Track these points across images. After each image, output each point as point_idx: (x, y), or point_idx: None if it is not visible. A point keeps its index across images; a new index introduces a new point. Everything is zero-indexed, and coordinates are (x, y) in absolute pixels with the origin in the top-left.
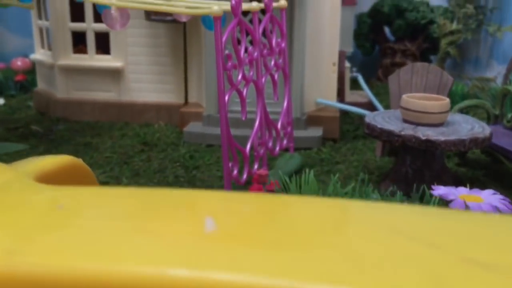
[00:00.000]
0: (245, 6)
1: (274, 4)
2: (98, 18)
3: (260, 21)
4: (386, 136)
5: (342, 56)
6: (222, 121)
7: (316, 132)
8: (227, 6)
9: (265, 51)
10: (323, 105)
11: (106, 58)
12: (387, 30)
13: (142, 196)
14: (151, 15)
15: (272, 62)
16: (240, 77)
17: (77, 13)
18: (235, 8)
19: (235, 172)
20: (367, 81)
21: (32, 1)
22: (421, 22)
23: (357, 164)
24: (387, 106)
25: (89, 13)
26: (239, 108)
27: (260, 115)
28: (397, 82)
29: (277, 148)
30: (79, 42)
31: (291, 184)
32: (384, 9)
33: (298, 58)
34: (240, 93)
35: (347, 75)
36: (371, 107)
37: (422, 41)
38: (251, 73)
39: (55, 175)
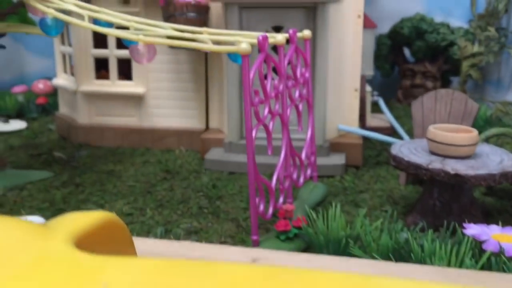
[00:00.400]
0: (270, 39)
1: (299, 35)
2: (120, 44)
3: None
4: (413, 169)
5: (363, 80)
6: (249, 157)
7: (338, 159)
8: (253, 40)
9: (289, 83)
10: (345, 131)
11: (128, 84)
12: (406, 51)
13: (188, 269)
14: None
15: (297, 93)
16: (266, 111)
17: (99, 39)
18: (261, 44)
19: (262, 207)
20: (387, 103)
21: (59, 33)
22: (441, 44)
23: (382, 194)
24: (409, 130)
25: (111, 39)
26: (259, 134)
27: (285, 148)
28: (421, 109)
29: (302, 179)
30: (101, 66)
31: (317, 220)
32: (404, 31)
33: (321, 86)
34: (266, 128)
35: (368, 100)
36: (393, 132)
37: (442, 62)
38: (277, 107)
39: (93, 235)
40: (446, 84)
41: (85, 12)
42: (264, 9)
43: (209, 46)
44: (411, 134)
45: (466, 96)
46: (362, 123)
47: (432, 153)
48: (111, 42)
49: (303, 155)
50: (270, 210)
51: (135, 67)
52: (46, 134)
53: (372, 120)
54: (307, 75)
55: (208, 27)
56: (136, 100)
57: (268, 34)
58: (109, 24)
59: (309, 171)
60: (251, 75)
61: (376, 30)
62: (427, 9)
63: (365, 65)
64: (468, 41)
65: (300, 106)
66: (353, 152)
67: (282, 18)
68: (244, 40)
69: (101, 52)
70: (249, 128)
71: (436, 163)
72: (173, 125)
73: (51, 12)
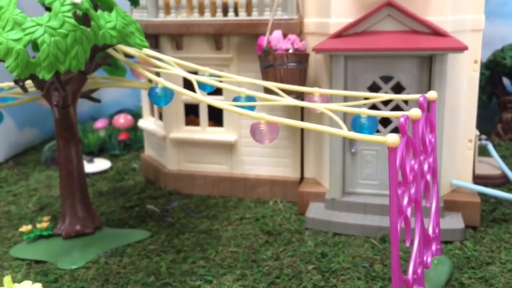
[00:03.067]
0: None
1: (422, 95)
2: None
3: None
4: None
5: None
6: (393, 262)
7: (456, 221)
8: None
9: (421, 158)
10: (460, 187)
11: (219, 131)
12: (506, 80)
13: None
14: (268, 90)
15: (426, 166)
16: (406, 201)
17: (188, 84)
18: (403, 126)
19: None
20: (487, 135)
21: (169, 103)
22: None
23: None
24: None
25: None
26: (364, 190)
27: (419, 233)
28: None
29: (429, 259)
30: (190, 111)
31: None
32: (507, 61)
33: (437, 140)
34: (406, 219)
35: (476, 144)
36: (505, 180)
37: None
38: (412, 191)
39: None
40: None
41: (193, 77)
42: (371, 58)
43: (355, 135)
44: None
45: None
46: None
47: None
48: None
49: (430, 230)
50: None
51: (227, 114)
52: (131, 176)
53: (481, 165)
54: (433, 140)
55: (307, 76)
56: (227, 147)
57: (404, 114)
58: (211, 87)
59: (434, 247)
60: (397, 166)
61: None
62: None
63: None
64: None
65: (428, 177)
66: (469, 210)
67: (392, 68)
68: (389, 136)
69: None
70: (395, 236)
71: None
72: (266, 173)
73: (160, 81)
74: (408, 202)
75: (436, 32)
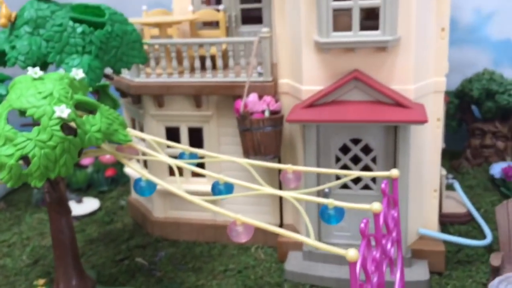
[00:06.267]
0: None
1: (386, 173)
2: (193, 143)
3: None
4: None
5: None
6: None
7: (422, 272)
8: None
9: (383, 241)
10: (427, 236)
11: (202, 181)
12: (474, 109)
13: None
14: (250, 155)
15: (389, 245)
16: None
17: (172, 137)
18: (363, 230)
19: None
20: (455, 159)
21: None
22: None
23: None
24: (485, 213)
25: (184, 140)
26: (339, 241)
27: None
28: (506, 215)
29: None
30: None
31: None
32: (474, 93)
33: (403, 193)
34: None
35: (443, 183)
36: (470, 218)
37: None
38: (375, 280)
39: None
40: None
41: (173, 162)
42: (342, 124)
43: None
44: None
45: None
46: (438, 209)
47: None
48: (184, 141)
49: None
50: None
51: (208, 166)
52: (120, 217)
53: (448, 202)
54: (395, 215)
55: (282, 137)
56: (210, 196)
57: (362, 206)
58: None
59: None
60: (357, 271)
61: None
62: (495, 60)
63: None
64: None
65: (392, 251)
66: (434, 258)
67: (360, 132)
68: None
69: (175, 151)
70: None
71: None
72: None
73: (144, 175)
74: None
75: (398, 103)
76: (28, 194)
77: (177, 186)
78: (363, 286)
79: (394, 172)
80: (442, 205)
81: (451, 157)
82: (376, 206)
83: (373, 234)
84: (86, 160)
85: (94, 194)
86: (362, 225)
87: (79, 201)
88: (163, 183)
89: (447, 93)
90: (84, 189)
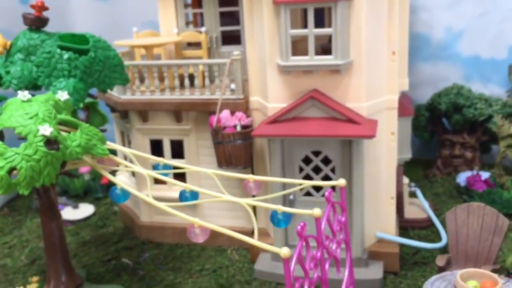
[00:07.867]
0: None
1: (334, 183)
2: (175, 155)
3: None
4: None
5: (399, 171)
6: None
7: (377, 271)
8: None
9: (326, 242)
10: (384, 239)
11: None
12: (445, 121)
13: None
14: (222, 166)
15: (334, 246)
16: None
17: (156, 150)
18: (300, 232)
19: None
20: (427, 168)
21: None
22: (479, 119)
23: None
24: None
25: (167, 154)
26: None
27: None
28: (454, 220)
29: None
30: None
31: None
32: (442, 107)
33: (357, 202)
34: None
35: (406, 192)
36: (430, 224)
37: (481, 134)
38: (315, 275)
39: None
40: (486, 152)
41: (146, 173)
42: (303, 138)
43: (256, 243)
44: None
45: (497, 212)
46: (400, 215)
47: None
48: (167, 153)
49: None
50: None
51: (189, 176)
52: (112, 221)
53: (411, 208)
54: (343, 219)
55: (253, 149)
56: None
57: (305, 212)
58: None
59: None
60: (292, 269)
61: (414, 99)
62: (465, 75)
63: (402, 149)
64: (505, 119)
65: (338, 252)
66: (390, 259)
67: (320, 145)
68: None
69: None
70: None
71: None
72: (224, 224)
73: (119, 184)
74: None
75: (350, 120)
76: (29, 201)
77: (147, 194)
78: (300, 281)
79: (341, 182)
80: (404, 211)
81: (425, 167)
82: (317, 211)
83: (313, 235)
84: (83, 169)
85: (90, 201)
86: (299, 227)
87: (76, 207)
88: (134, 191)
89: (419, 107)
90: (81, 196)
